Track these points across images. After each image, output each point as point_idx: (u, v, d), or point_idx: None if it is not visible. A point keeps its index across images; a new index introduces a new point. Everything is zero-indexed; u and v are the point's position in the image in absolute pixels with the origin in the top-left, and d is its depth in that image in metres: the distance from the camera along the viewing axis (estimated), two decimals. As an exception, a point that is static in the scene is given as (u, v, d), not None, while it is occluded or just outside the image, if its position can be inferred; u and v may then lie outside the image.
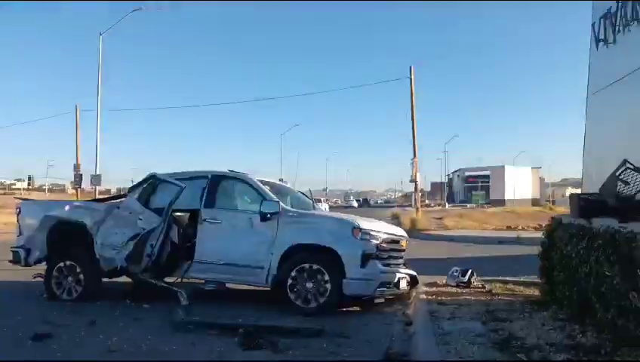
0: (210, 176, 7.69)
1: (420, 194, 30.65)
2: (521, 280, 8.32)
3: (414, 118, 26.01)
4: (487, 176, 77.94)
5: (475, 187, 79.05)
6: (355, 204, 72.37)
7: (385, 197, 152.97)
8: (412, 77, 26.04)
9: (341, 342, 5.25)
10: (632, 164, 4.43)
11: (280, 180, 9.55)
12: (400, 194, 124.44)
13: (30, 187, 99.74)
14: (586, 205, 5.14)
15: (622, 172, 4.45)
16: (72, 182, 36.49)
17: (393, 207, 69.02)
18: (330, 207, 48.69)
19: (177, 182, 7.50)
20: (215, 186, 7.59)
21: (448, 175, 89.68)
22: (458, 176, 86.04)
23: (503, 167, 78.63)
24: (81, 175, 31.64)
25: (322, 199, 63.54)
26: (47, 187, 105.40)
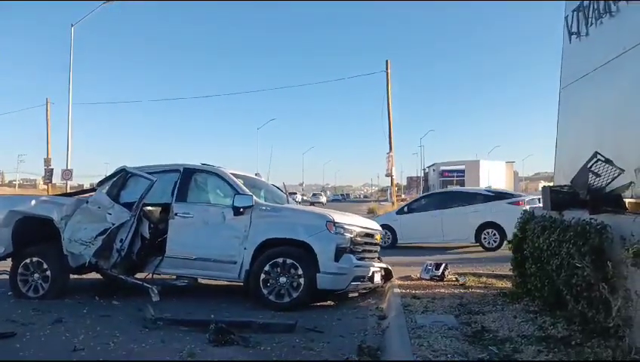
0: (182, 169, 7.54)
1: (397, 188, 30.82)
2: (494, 273, 8.40)
3: (390, 112, 26.14)
4: (462, 171, 78.76)
5: (451, 181, 79.61)
6: (324, 199, 70.34)
7: (362, 192, 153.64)
8: (388, 71, 26.13)
9: (314, 337, 5.20)
10: (603, 156, 4.45)
11: (256, 174, 9.44)
12: (376, 188, 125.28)
13: (0, 182, 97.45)
14: (558, 197, 5.16)
15: (593, 164, 4.47)
16: (43, 177, 35.71)
17: (369, 201, 69.25)
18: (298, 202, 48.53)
19: (148, 175, 7.35)
20: (187, 180, 7.44)
21: (424, 169, 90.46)
22: (434, 170, 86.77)
23: (477, 161, 79.61)
24: (52, 170, 31.06)
25: (297, 192, 63.33)
26: (17, 182, 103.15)
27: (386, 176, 27.35)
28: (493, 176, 76.25)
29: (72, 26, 28.81)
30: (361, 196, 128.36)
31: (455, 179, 79.59)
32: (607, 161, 4.44)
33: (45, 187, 37.57)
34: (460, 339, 4.58)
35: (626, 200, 4.36)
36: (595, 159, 4.46)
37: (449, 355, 4.10)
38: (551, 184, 6.70)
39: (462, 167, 79.31)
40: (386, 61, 26.44)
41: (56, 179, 32.60)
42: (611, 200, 4.37)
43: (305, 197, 68.91)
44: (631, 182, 4.42)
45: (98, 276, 7.98)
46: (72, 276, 7.63)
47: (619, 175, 4.46)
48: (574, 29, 5.81)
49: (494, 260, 11.12)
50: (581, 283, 4.17)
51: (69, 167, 28.58)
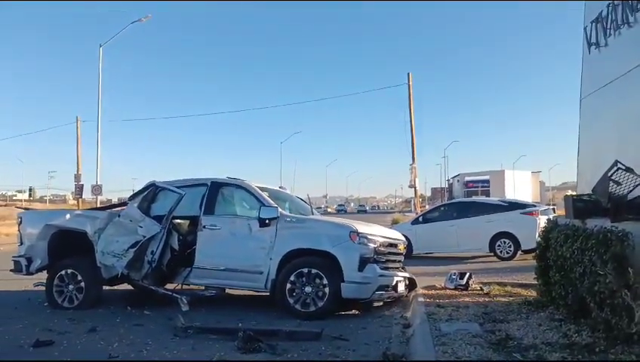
0: (209, 183, 7.76)
1: (421, 199, 30.74)
2: (519, 281, 8.38)
3: (412, 123, 26.18)
4: (487, 181, 77.96)
5: (475, 192, 78.91)
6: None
7: (386, 204, 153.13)
8: (410, 83, 26.22)
9: (339, 345, 5.30)
10: (623, 165, 4.49)
11: (280, 187, 9.61)
12: (400, 200, 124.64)
13: (31, 198, 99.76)
14: (580, 206, 5.20)
15: (614, 172, 4.51)
16: (72, 192, 36.56)
17: (393, 212, 68.98)
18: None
19: (177, 189, 7.59)
20: (214, 193, 7.66)
21: (448, 180, 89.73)
22: (458, 181, 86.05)
23: (502, 171, 78.71)
24: (82, 185, 31.77)
25: (322, 206, 63.64)
26: (48, 198, 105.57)
27: (410, 187, 27.38)
28: (518, 186, 75.28)
29: (100, 46, 29.68)
30: (380, 208, 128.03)
31: (480, 189, 78.78)
32: (628, 170, 4.48)
33: (75, 202, 38.48)
34: (484, 346, 4.63)
35: (648, 208, 4.40)
36: (615, 167, 4.51)
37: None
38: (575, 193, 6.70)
39: (486, 178, 78.55)
40: (408, 73, 26.62)
41: (86, 195, 33.45)
42: (633, 208, 4.41)
43: (329, 209, 69.16)
44: (652, 190, 4.46)
45: (129, 287, 8.21)
46: (104, 287, 7.89)
47: (640, 183, 4.49)
48: (593, 40, 5.87)
49: (517, 270, 11.07)
50: (604, 291, 4.21)
51: (98, 183, 29.28)
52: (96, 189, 29.30)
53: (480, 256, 14.56)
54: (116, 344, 5.40)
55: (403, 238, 8.02)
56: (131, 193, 8.85)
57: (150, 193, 7.95)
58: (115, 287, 8.42)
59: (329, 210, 72.50)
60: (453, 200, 23.57)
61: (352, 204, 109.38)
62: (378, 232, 7.23)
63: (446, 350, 4.52)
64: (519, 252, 13.53)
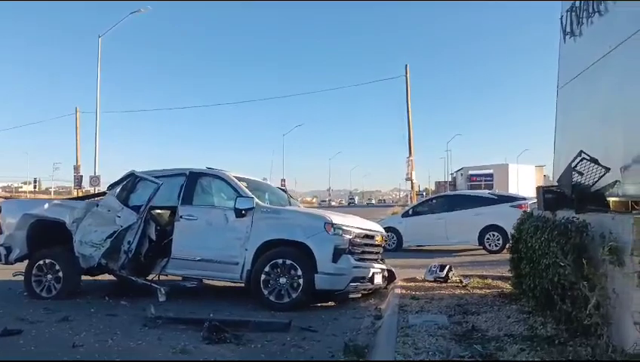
0: (188, 173, 7.73)
1: (426, 193, 30.68)
2: (500, 274, 8.32)
3: (409, 116, 26.01)
4: (491, 175, 77.52)
5: (479, 185, 78.51)
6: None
7: (389, 197, 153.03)
8: (407, 75, 26.11)
9: (306, 336, 5.28)
10: (587, 155, 4.41)
11: (264, 179, 9.58)
12: (404, 193, 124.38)
13: (37, 190, 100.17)
14: (550, 197, 5.13)
15: (578, 163, 4.44)
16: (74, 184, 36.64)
17: (393, 206, 68.87)
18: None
19: (154, 179, 7.56)
20: (193, 183, 7.63)
21: (452, 174, 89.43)
22: (461, 174, 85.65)
23: (506, 165, 78.24)
24: (82, 176, 31.90)
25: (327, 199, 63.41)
26: (53, 189, 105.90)
27: (406, 180, 27.28)
28: (522, 180, 74.86)
29: (99, 37, 29.67)
30: (386, 201, 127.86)
31: (483, 183, 78.39)
32: (593, 160, 4.40)
33: (77, 193, 38.62)
34: (446, 338, 4.58)
35: (611, 199, 4.31)
36: (579, 158, 4.43)
37: (430, 353, 4.12)
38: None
39: (490, 171, 78.03)
40: (405, 65, 26.49)
41: (86, 185, 33.47)
42: (596, 200, 4.34)
43: (333, 203, 69.07)
44: (616, 181, 4.37)
45: (112, 278, 8.21)
46: (92, 278, 7.88)
47: (605, 174, 4.41)
48: (568, 29, 5.77)
49: (504, 263, 10.86)
50: (564, 282, 4.16)
51: (96, 174, 29.36)
52: (95, 180, 29.38)
53: (469, 249, 14.51)
54: (84, 333, 5.39)
55: (382, 230, 7.97)
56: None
57: (129, 183, 7.94)
58: (99, 278, 8.43)
59: (333, 203, 72.38)
60: (443, 193, 23.47)
61: (357, 198, 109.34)
62: (354, 223, 7.18)
63: (407, 341, 4.47)
64: (508, 245, 13.44)
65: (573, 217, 4.22)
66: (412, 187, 27.28)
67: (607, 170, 4.40)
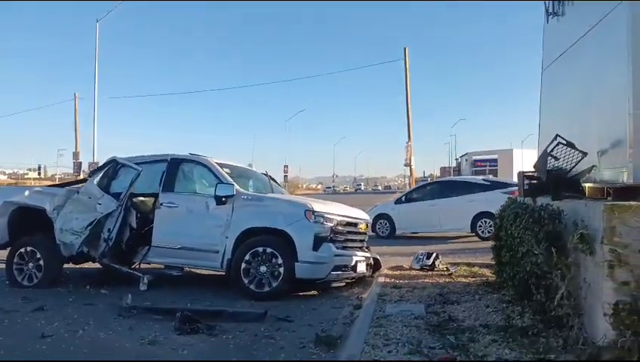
0: (169, 159, 7.59)
1: (430, 178, 30.49)
2: (488, 262, 8.17)
3: (408, 100, 25.72)
4: (495, 160, 76.97)
5: (483, 171, 78.01)
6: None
7: (394, 184, 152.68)
8: (406, 58, 25.73)
9: (281, 326, 5.18)
10: (563, 139, 4.24)
11: (249, 165, 9.42)
12: (409, 179, 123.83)
13: (42, 176, 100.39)
14: (530, 183, 4.98)
15: (554, 148, 4.27)
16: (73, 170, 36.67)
17: (394, 192, 68.62)
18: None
19: (135, 165, 7.43)
20: (174, 170, 7.49)
21: (457, 159, 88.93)
22: (466, 160, 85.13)
23: (510, 150, 77.65)
24: (81, 163, 31.87)
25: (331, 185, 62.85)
26: (58, 176, 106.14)
27: (405, 165, 27.03)
28: (527, 165, 74.20)
29: (97, 21, 29.41)
30: (392, 187, 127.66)
31: (488, 168, 77.86)
32: (569, 145, 4.23)
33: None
34: (420, 329, 4.49)
35: (586, 185, 4.15)
36: (555, 142, 4.26)
37: (400, 344, 4.02)
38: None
39: (494, 157, 77.39)
40: (404, 49, 26.04)
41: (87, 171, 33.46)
42: (572, 186, 4.18)
43: (338, 189, 68.66)
44: (593, 166, 4.20)
45: (98, 266, 8.11)
46: (77, 266, 7.78)
47: (582, 158, 4.25)
48: (551, 9, 5.55)
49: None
50: (537, 271, 4.02)
51: (95, 160, 29.30)
52: (94, 167, 29.24)
53: (462, 236, 14.38)
54: (57, 323, 5.32)
55: (366, 217, 7.83)
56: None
57: (111, 169, 7.80)
58: (85, 266, 8.34)
59: (338, 189, 72.06)
60: (436, 180, 23.24)
61: (363, 185, 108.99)
62: (336, 211, 7.03)
63: (379, 332, 4.38)
64: None
65: (547, 204, 4.07)
66: (411, 173, 27.04)
67: (585, 154, 4.23)
